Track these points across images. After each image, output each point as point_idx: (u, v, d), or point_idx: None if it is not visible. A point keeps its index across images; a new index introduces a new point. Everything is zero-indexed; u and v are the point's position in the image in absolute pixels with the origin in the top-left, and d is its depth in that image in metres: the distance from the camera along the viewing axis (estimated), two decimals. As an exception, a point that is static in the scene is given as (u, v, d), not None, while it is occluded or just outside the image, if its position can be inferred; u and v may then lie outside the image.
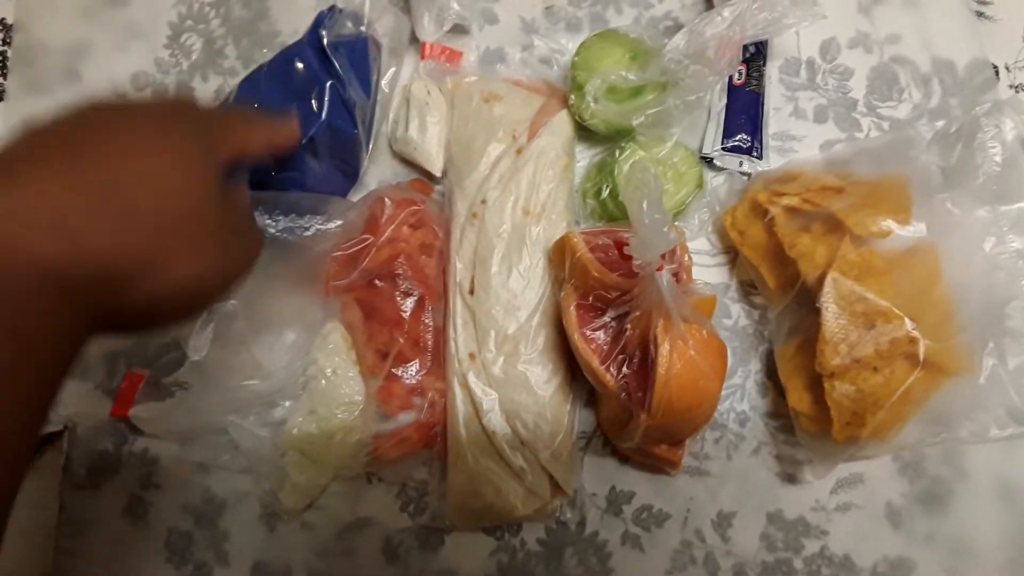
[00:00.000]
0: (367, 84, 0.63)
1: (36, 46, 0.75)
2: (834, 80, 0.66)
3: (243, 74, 0.70)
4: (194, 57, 0.72)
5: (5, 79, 0.74)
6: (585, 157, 0.66)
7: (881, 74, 0.65)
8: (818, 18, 0.57)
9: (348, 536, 0.61)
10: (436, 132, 0.65)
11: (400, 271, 0.60)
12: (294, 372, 0.60)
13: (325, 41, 0.61)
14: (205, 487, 0.63)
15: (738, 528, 0.58)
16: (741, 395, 0.60)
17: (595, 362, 0.53)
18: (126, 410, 0.62)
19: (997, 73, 0.65)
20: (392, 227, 0.60)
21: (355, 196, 0.66)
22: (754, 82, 0.63)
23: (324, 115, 0.60)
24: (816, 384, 0.53)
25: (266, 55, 0.70)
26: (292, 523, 0.61)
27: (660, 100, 0.60)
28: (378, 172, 0.67)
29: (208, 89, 0.71)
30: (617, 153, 0.61)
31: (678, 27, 0.66)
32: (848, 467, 0.59)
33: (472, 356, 0.59)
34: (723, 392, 0.58)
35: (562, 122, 0.63)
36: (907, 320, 0.51)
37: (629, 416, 0.53)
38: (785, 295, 0.57)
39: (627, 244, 0.50)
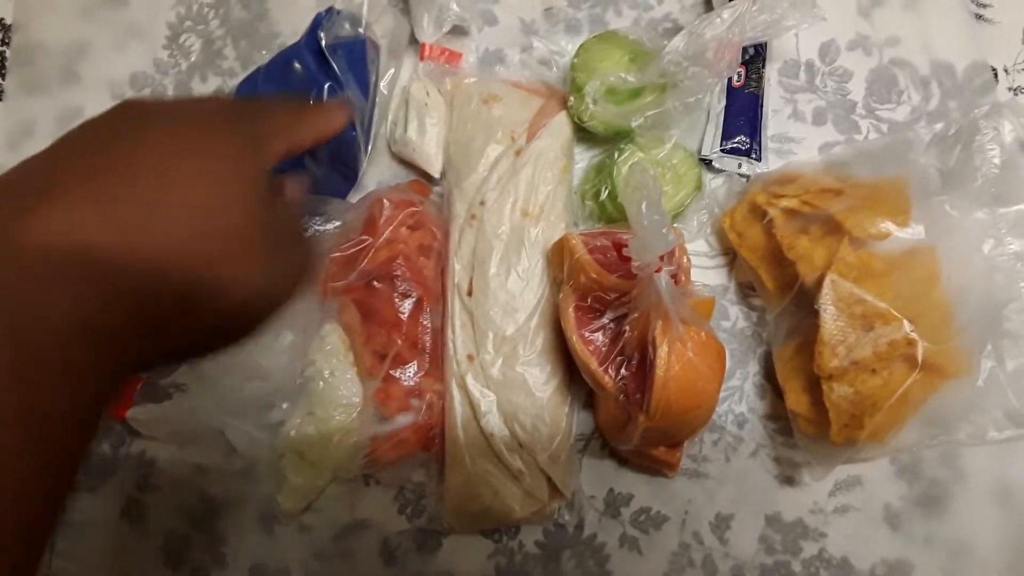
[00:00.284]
0: (365, 86, 0.63)
1: (35, 46, 0.75)
2: (833, 82, 0.66)
3: (242, 75, 0.70)
4: (193, 58, 0.72)
5: (4, 79, 0.74)
6: (584, 159, 0.66)
7: (880, 76, 0.65)
8: (817, 20, 0.57)
9: (346, 538, 0.61)
10: (435, 133, 0.64)
11: (398, 272, 0.60)
12: (292, 374, 0.60)
13: (323, 43, 0.61)
14: (202, 489, 0.62)
15: (736, 530, 0.58)
16: (739, 397, 0.60)
17: (593, 364, 0.53)
18: (123, 412, 0.62)
19: (996, 76, 0.65)
20: (390, 228, 0.60)
21: (354, 197, 0.66)
22: (753, 84, 0.63)
23: (322, 116, 0.60)
24: (814, 386, 0.53)
25: (265, 56, 0.70)
26: (290, 525, 0.61)
27: (659, 102, 0.60)
28: (377, 173, 0.67)
29: (207, 90, 0.71)
30: (616, 155, 0.61)
31: (677, 29, 0.66)
32: (846, 469, 0.59)
33: (470, 358, 0.58)
34: (721, 394, 0.58)
35: (561, 123, 0.63)
36: (906, 322, 0.51)
37: (627, 418, 0.53)
38: (783, 297, 0.57)
39: (626, 246, 0.50)
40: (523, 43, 0.69)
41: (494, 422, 0.57)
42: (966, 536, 0.58)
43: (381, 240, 0.60)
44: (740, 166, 0.63)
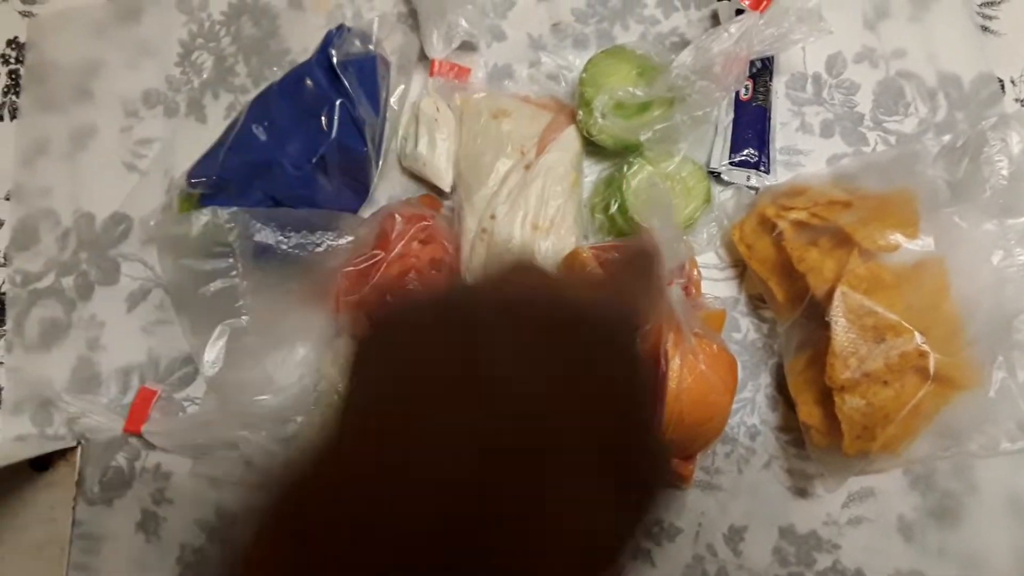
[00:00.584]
0: (376, 102, 0.64)
1: (48, 64, 0.76)
2: (840, 95, 0.66)
3: (253, 92, 0.71)
4: (205, 75, 0.73)
5: (18, 97, 0.75)
6: (593, 172, 0.66)
7: (887, 89, 0.66)
8: (824, 33, 0.58)
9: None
10: (445, 148, 0.65)
11: (411, 286, 0.60)
12: (305, 387, 0.61)
13: (335, 60, 0.62)
14: (218, 503, 0.63)
15: (750, 542, 0.58)
16: (751, 409, 0.61)
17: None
18: (139, 426, 0.62)
19: (1003, 87, 0.65)
20: (402, 243, 0.60)
21: (365, 212, 0.66)
22: (761, 97, 0.64)
23: (334, 133, 0.61)
24: (826, 398, 0.54)
25: (276, 73, 0.71)
26: (304, 538, 0.61)
27: (667, 116, 0.60)
28: (388, 188, 0.68)
29: (219, 107, 0.72)
30: (625, 168, 0.61)
31: (684, 43, 0.67)
32: (859, 481, 0.59)
33: (482, 371, 0.59)
34: (733, 406, 0.58)
35: (570, 138, 0.64)
36: (917, 334, 0.51)
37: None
38: (794, 309, 0.57)
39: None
40: (531, 58, 0.70)
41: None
42: (979, 547, 0.58)
43: (393, 254, 0.60)
44: (749, 179, 0.63)
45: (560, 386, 0.24)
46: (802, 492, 0.59)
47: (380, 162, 0.66)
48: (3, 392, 0.68)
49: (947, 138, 0.62)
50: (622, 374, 0.27)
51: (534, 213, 0.61)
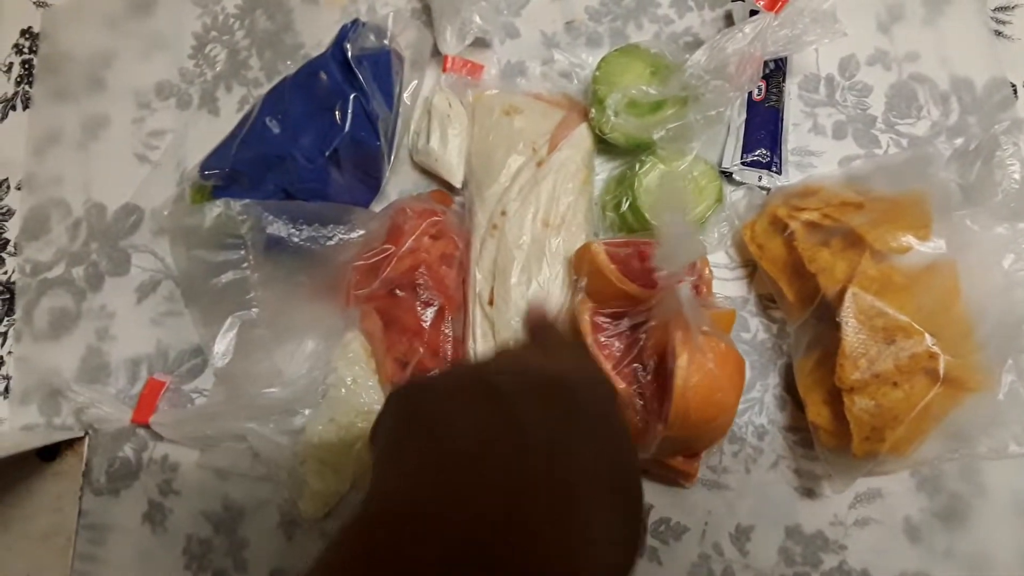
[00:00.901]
0: (390, 97, 0.64)
1: (62, 55, 0.76)
2: (853, 97, 0.66)
3: (267, 85, 0.71)
4: (218, 68, 0.73)
5: (31, 87, 0.76)
6: (605, 170, 0.66)
7: (900, 91, 0.66)
8: (838, 36, 0.58)
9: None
10: (457, 144, 0.65)
11: (421, 281, 0.60)
12: (314, 380, 0.61)
13: (349, 54, 0.62)
14: (224, 494, 0.63)
15: (756, 542, 0.58)
16: (759, 408, 0.61)
17: (606, 366, 0.53)
18: (147, 416, 0.63)
19: (1015, 91, 0.65)
20: (413, 237, 0.61)
21: (376, 206, 0.67)
22: (773, 98, 0.64)
23: (347, 127, 0.61)
24: (835, 398, 0.54)
25: (289, 67, 0.71)
26: (311, 531, 0.61)
27: (681, 115, 0.60)
28: (399, 183, 0.68)
29: (232, 99, 0.72)
30: (637, 166, 0.61)
31: (698, 43, 0.67)
32: (866, 482, 0.59)
33: (491, 367, 0.59)
34: (741, 405, 0.58)
35: (582, 135, 0.64)
36: (927, 336, 0.51)
37: (645, 426, 0.53)
38: (804, 309, 0.57)
39: (650, 256, 0.50)
40: (544, 56, 0.70)
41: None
42: (986, 549, 0.58)
43: (404, 249, 0.60)
44: (760, 179, 0.63)
45: (579, 440, 0.30)
46: (809, 492, 0.59)
47: (392, 157, 0.66)
48: (11, 381, 0.68)
49: (959, 142, 0.62)
50: (619, 426, 0.33)
51: (545, 210, 0.61)
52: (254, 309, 0.60)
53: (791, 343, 0.60)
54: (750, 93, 0.64)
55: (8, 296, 0.70)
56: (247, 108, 0.70)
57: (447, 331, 0.61)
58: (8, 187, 0.73)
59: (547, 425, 0.30)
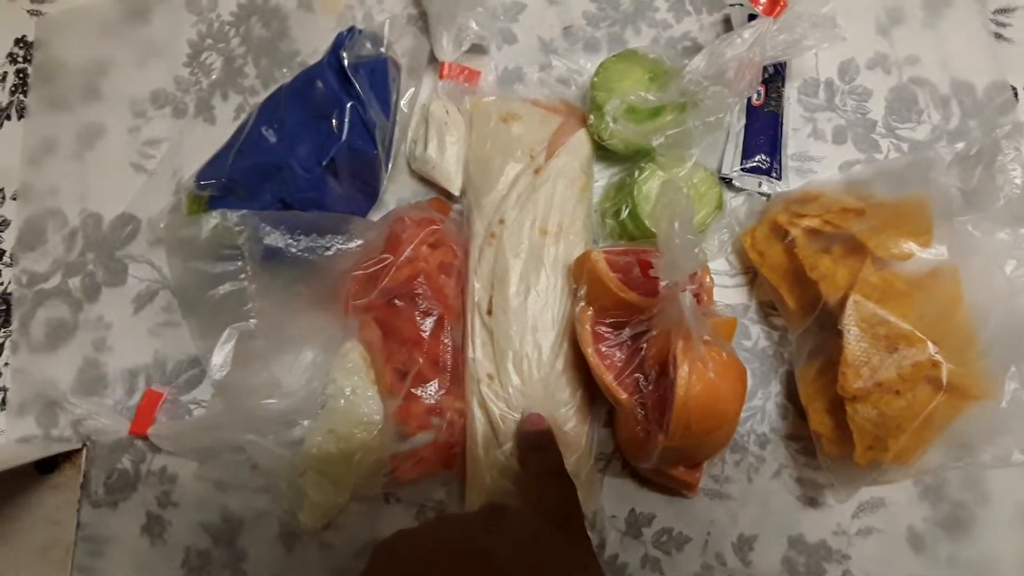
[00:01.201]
0: (387, 105, 0.64)
1: (56, 63, 0.75)
2: (853, 101, 0.66)
3: (263, 93, 0.71)
4: (214, 76, 0.73)
5: (26, 96, 0.75)
6: (603, 177, 0.66)
7: (900, 95, 0.65)
8: (838, 40, 0.57)
9: (366, 556, 0.60)
10: (455, 151, 0.65)
11: (419, 290, 0.60)
12: (313, 391, 0.60)
13: (346, 62, 0.61)
14: (223, 506, 0.63)
15: (759, 552, 0.58)
16: (761, 417, 0.60)
17: (608, 377, 0.53)
18: (145, 428, 0.62)
19: (1016, 95, 0.65)
20: (412, 247, 0.60)
21: (374, 216, 0.66)
22: (773, 103, 0.64)
23: (344, 136, 0.60)
24: (837, 407, 0.53)
25: (286, 74, 0.70)
26: (310, 543, 0.61)
27: (680, 121, 0.60)
28: (396, 191, 0.68)
29: (228, 108, 0.72)
30: (636, 173, 0.61)
31: (696, 48, 0.66)
32: (869, 491, 0.58)
33: (491, 376, 0.58)
34: (743, 414, 0.58)
35: (580, 142, 0.64)
36: (930, 344, 0.50)
37: (647, 437, 0.53)
38: (806, 317, 0.57)
39: (651, 264, 0.50)
40: (542, 61, 0.70)
41: (514, 441, 0.57)
42: (989, 558, 0.57)
43: (402, 258, 0.60)
44: (760, 185, 0.63)
45: None
46: (812, 502, 0.59)
47: (389, 165, 0.66)
48: (8, 393, 0.68)
49: (960, 146, 0.62)
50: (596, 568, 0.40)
51: (543, 217, 0.61)
52: (252, 320, 0.60)
53: (792, 351, 0.59)
54: (749, 98, 0.63)
55: (4, 307, 0.70)
56: (243, 116, 0.69)
57: (447, 340, 0.60)
58: (3, 197, 0.72)
59: None
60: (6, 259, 0.71)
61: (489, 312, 0.59)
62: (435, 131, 0.65)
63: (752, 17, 0.60)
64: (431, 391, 0.59)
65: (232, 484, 0.63)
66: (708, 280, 0.58)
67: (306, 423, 0.61)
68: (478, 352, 0.59)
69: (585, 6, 0.70)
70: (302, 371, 0.61)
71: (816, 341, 0.56)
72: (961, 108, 0.65)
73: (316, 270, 0.60)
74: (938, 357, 0.50)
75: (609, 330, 0.55)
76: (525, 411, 0.57)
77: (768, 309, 0.62)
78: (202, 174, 0.62)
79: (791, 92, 0.66)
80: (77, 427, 0.66)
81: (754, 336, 0.62)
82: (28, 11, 0.77)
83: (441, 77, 0.67)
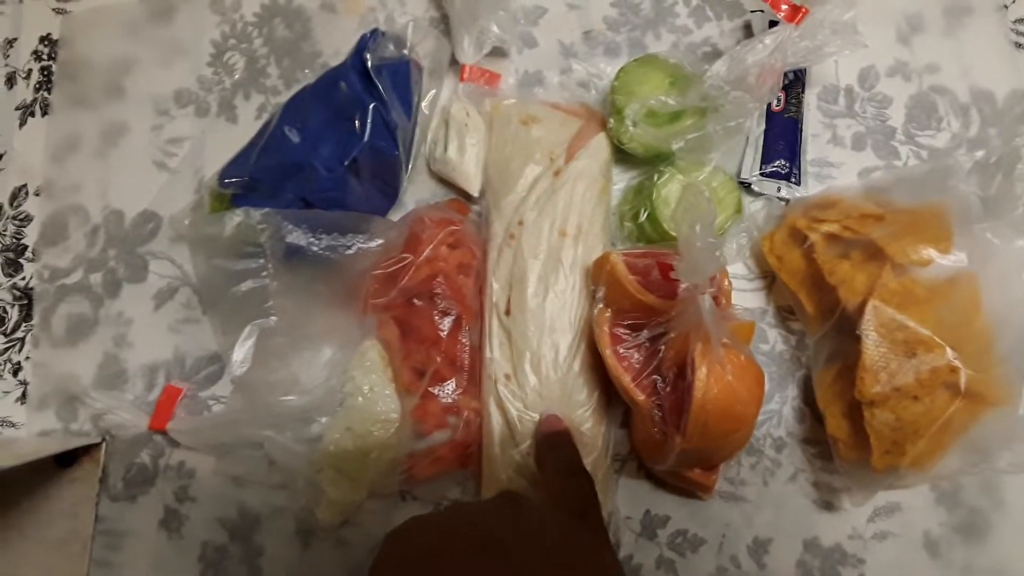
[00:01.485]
0: (409, 106, 0.64)
1: (81, 61, 0.76)
2: (873, 108, 0.66)
3: (285, 93, 0.71)
4: (237, 75, 0.73)
5: (50, 93, 0.76)
6: (622, 180, 0.66)
7: (920, 103, 0.65)
8: (859, 47, 0.57)
9: (382, 553, 0.61)
10: (474, 153, 0.65)
11: (439, 290, 0.60)
12: (331, 389, 0.61)
13: (369, 64, 0.62)
14: (241, 501, 0.63)
15: (774, 555, 0.58)
16: (778, 421, 0.60)
17: (626, 379, 0.53)
18: (164, 423, 0.63)
19: (1035, 103, 0.65)
20: (431, 247, 0.61)
21: (394, 216, 0.67)
22: (793, 108, 0.64)
23: (367, 136, 0.61)
24: (855, 411, 0.53)
25: (308, 75, 0.71)
26: (327, 539, 0.62)
27: (700, 125, 0.60)
28: (416, 192, 0.68)
29: (250, 107, 0.72)
30: (655, 177, 0.61)
31: (717, 53, 0.67)
32: (885, 495, 0.58)
33: (508, 376, 0.59)
34: (760, 418, 0.58)
35: (600, 145, 0.64)
36: (948, 349, 0.51)
37: (663, 438, 0.53)
38: (824, 321, 0.57)
39: (671, 266, 0.50)
40: (562, 65, 0.70)
41: (531, 440, 0.57)
42: (1005, 564, 0.57)
43: (422, 258, 0.60)
44: (779, 190, 0.63)
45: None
46: (828, 505, 0.59)
47: (410, 166, 0.66)
48: (29, 387, 0.69)
49: (980, 154, 0.62)
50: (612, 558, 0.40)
51: (562, 220, 0.61)
52: (273, 317, 0.60)
53: (810, 355, 0.59)
54: (769, 104, 0.64)
55: (26, 302, 0.70)
56: (265, 116, 0.70)
57: (464, 340, 0.61)
58: (27, 193, 0.73)
59: None
60: (28, 254, 0.72)
61: (507, 312, 0.60)
62: (455, 133, 0.65)
63: (773, 23, 0.61)
64: (448, 390, 0.59)
65: (250, 480, 0.63)
66: (727, 283, 0.58)
67: (324, 420, 0.61)
68: (496, 352, 0.60)
69: (606, 11, 0.71)
70: (321, 368, 0.61)
71: (834, 346, 0.56)
72: (981, 116, 0.65)
73: (336, 268, 0.60)
74: (956, 363, 0.51)
75: (627, 332, 0.55)
76: (543, 413, 0.57)
77: (786, 313, 0.63)
78: (225, 172, 0.63)
79: (811, 98, 0.66)
80: (97, 421, 0.66)
81: (772, 340, 0.62)
82: (53, 9, 0.78)
83: (462, 79, 0.67)
